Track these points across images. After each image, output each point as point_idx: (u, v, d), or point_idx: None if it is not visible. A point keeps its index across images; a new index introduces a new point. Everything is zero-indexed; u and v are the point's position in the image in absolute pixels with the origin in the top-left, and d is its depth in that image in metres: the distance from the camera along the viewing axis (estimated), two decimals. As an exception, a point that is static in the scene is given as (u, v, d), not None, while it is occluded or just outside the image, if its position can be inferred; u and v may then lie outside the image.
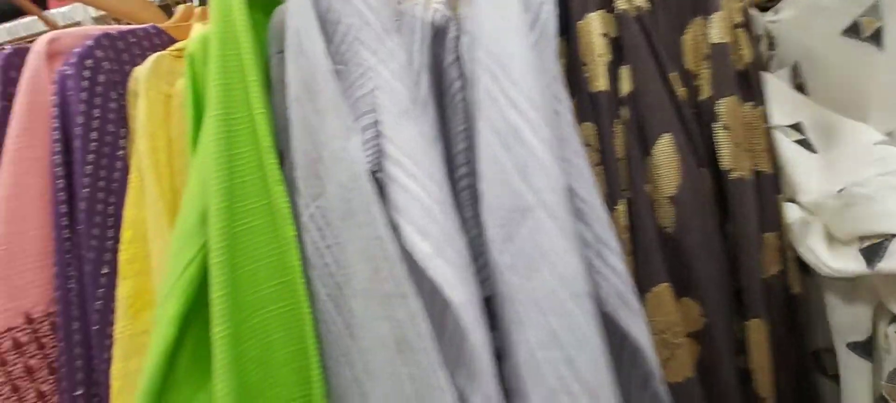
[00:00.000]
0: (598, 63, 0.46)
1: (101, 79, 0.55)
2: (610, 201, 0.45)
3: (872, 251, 0.40)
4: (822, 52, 0.49)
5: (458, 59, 0.44)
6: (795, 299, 0.47)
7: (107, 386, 0.51)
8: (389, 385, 0.38)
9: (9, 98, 0.58)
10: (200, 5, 0.70)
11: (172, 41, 0.63)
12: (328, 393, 0.43)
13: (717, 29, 0.47)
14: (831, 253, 0.43)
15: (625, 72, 0.47)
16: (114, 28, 0.61)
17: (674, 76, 0.47)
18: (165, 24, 0.66)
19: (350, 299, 0.40)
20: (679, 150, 0.45)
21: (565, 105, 0.43)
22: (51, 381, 0.56)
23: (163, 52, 0.56)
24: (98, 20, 0.84)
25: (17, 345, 0.55)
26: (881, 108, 0.46)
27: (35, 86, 0.57)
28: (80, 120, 0.53)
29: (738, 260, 0.46)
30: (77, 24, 0.83)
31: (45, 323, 0.56)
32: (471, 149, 0.43)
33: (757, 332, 0.45)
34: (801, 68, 0.51)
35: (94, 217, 0.53)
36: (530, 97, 0.38)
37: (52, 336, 0.56)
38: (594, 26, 0.47)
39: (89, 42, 0.55)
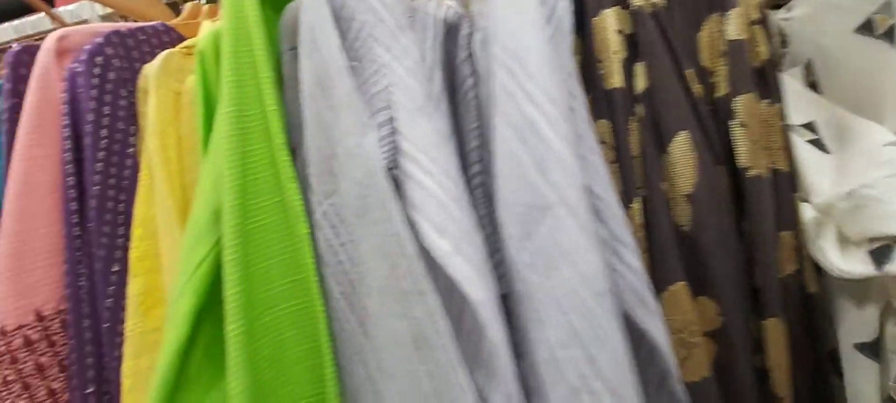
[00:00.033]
0: (613, 60, 0.46)
1: (111, 76, 0.55)
2: (625, 199, 0.45)
3: (881, 253, 0.40)
4: (835, 49, 0.48)
5: (470, 55, 0.43)
6: (812, 298, 0.47)
7: (118, 384, 0.51)
8: (406, 383, 0.38)
9: (19, 95, 0.58)
10: (208, 3, 0.70)
11: (181, 39, 0.63)
12: (341, 392, 0.42)
13: (733, 25, 0.47)
14: (841, 255, 0.43)
15: (640, 69, 0.47)
16: (123, 25, 0.61)
17: (690, 73, 0.47)
18: (173, 22, 0.66)
19: (364, 297, 0.40)
20: (696, 148, 0.45)
21: (581, 101, 0.42)
22: (61, 379, 0.56)
23: (172, 50, 0.56)
24: (105, 18, 0.84)
25: (28, 343, 0.54)
26: (895, 107, 0.46)
27: (45, 84, 0.57)
28: (90, 117, 0.53)
29: (754, 258, 0.45)
30: (84, 21, 0.83)
31: (56, 320, 0.56)
32: (483, 146, 0.42)
33: (774, 331, 0.45)
34: (814, 66, 0.50)
35: (104, 214, 0.53)
36: (547, 91, 0.38)
37: (62, 334, 0.56)
38: (609, 23, 0.47)
39: (99, 39, 0.55)
